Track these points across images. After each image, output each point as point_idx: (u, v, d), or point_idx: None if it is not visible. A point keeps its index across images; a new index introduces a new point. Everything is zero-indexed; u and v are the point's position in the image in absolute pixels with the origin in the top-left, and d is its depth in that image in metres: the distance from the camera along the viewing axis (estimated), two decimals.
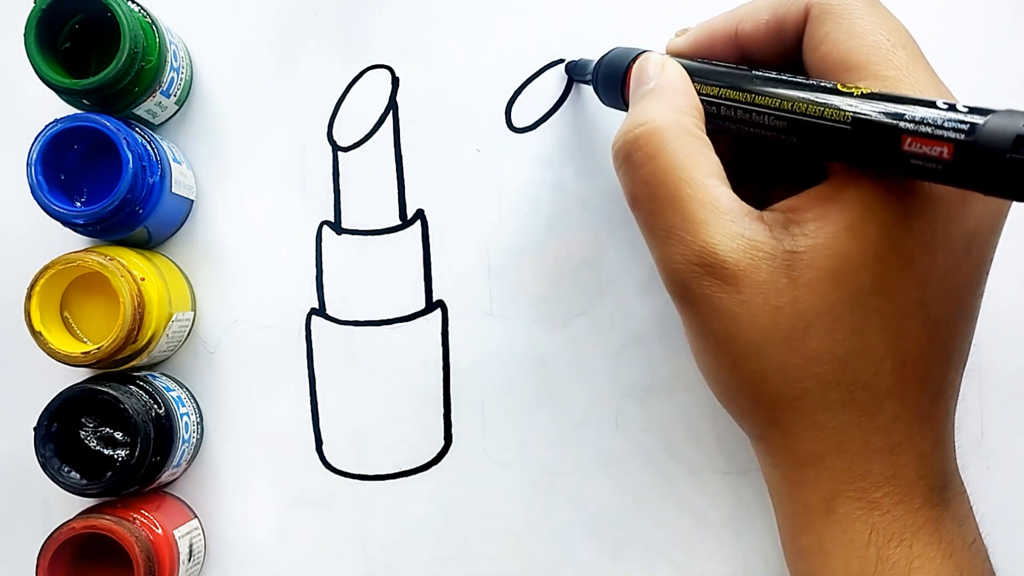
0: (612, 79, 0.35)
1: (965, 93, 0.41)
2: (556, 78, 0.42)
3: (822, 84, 0.27)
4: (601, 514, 0.41)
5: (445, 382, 0.42)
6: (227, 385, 0.42)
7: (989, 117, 0.23)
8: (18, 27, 0.36)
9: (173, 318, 0.39)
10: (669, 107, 0.29)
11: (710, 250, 0.26)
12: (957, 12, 0.42)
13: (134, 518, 0.38)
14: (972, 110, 0.24)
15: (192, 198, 0.42)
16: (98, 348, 0.37)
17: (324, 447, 0.42)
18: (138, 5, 0.39)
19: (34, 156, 0.36)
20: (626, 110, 0.35)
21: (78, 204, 0.38)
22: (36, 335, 0.37)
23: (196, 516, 0.41)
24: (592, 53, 0.42)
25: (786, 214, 0.27)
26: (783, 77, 0.29)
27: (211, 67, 0.43)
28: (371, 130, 0.42)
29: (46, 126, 0.36)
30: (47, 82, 0.36)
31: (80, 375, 0.40)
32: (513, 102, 0.42)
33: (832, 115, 0.26)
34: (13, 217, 0.42)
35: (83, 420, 0.38)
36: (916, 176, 0.25)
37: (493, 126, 0.42)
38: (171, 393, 0.40)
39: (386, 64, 0.42)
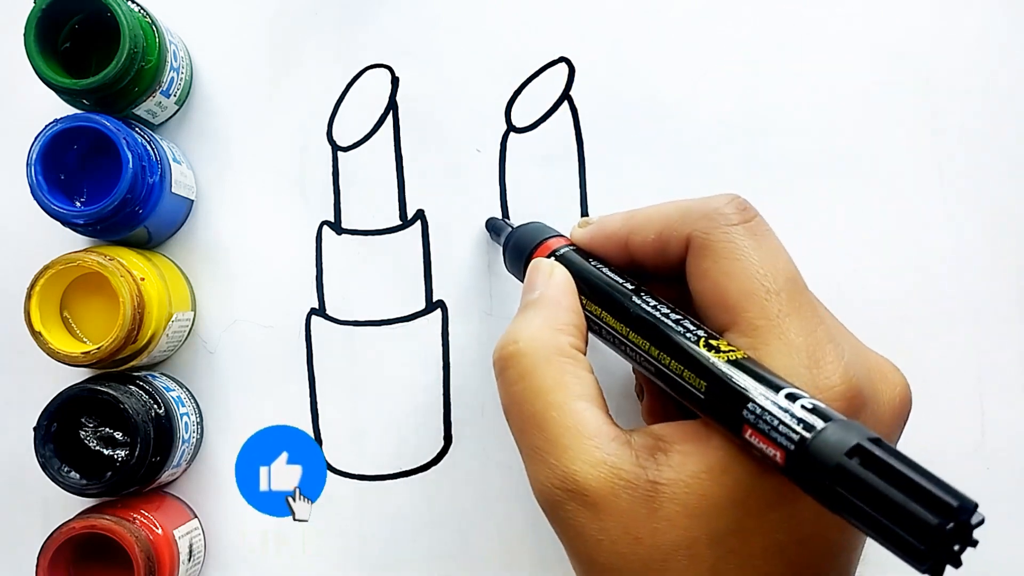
0: (517, 256, 0.36)
1: (965, 92, 0.41)
2: (556, 78, 0.42)
3: (690, 333, 0.27)
4: None
5: (445, 382, 0.42)
6: (227, 385, 0.42)
7: (821, 430, 0.23)
8: (18, 27, 0.36)
9: (173, 318, 0.39)
10: (546, 324, 0.29)
11: (571, 476, 0.26)
12: (958, 12, 0.42)
13: (134, 518, 0.38)
14: (813, 410, 0.23)
15: (192, 198, 0.42)
16: (98, 348, 0.37)
17: (324, 447, 0.42)
18: (138, 5, 0.39)
19: (34, 156, 0.36)
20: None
21: (78, 204, 0.38)
22: (36, 335, 0.37)
23: (196, 516, 0.41)
24: (592, 52, 0.42)
25: (656, 440, 0.27)
26: (658, 314, 0.28)
27: (211, 67, 0.43)
28: (371, 130, 0.42)
29: (46, 126, 0.36)
30: (47, 82, 0.36)
31: (80, 375, 0.40)
32: (513, 102, 0.42)
33: (689, 378, 0.26)
34: (13, 217, 0.42)
35: (83, 420, 0.38)
36: (760, 462, 0.25)
37: (493, 126, 0.42)
38: (171, 393, 0.40)
39: (386, 64, 0.42)
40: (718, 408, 0.26)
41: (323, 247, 0.42)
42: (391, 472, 0.41)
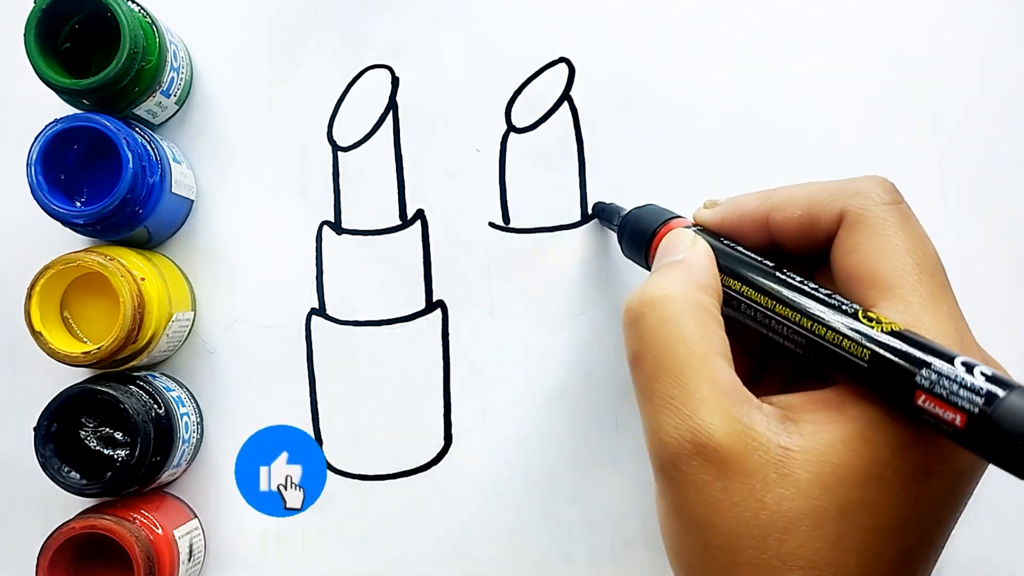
0: (638, 237, 0.35)
1: (965, 92, 0.41)
2: (556, 78, 0.42)
3: (845, 306, 0.27)
4: (601, 514, 0.41)
5: (445, 382, 0.42)
6: (227, 385, 0.42)
7: (1008, 394, 0.23)
8: (18, 27, 0.36)
9: (173, 318, 0.39)
10: (691, 281, 0.29)
11: (706, 429, 0.26)
12: (958, 12, 0.42)
13: (134, 518, 0.38)
14: (991, 379, 0.23)
15: (192, 198, 0.42)
16: (98, 348, 0.37)
17: (324, 447, 0.42)
18: (138, 5, 0.39)
19: (34, 156, 0.36)
20: (644, 266, 0.35)
21: (78, 204, 0.38)
22: (36, 335, 0.37)
23: (196, 516, 0.41)
24: (592, 52, 0.42)
25: (784, 411, 0.27)
26: (807, 288, 0.28)
27: (211, 67, 0.43)
28: (371, 130, 0.42)
29: (46, 126, 0.36)
30: (47, 82, 0.36)
31: (80, 375, 0.40)
32: (513, 102, 0.42)
33: (850, 347, 0.26)
34: (13, 217, 0.42)
35: (83, 420, 0.38)
36: (925, 427, 0.25)
37: (493, 126, 0.42)
38: (171, 393, 0.40)
39: (386, 64, 0.43)
40: (885, 376, 0.25)
41: (323, 247, 0.42)
42: (391, 472, 0.41)
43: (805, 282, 0.29)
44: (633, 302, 0.29)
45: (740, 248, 0.31)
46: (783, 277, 0.29)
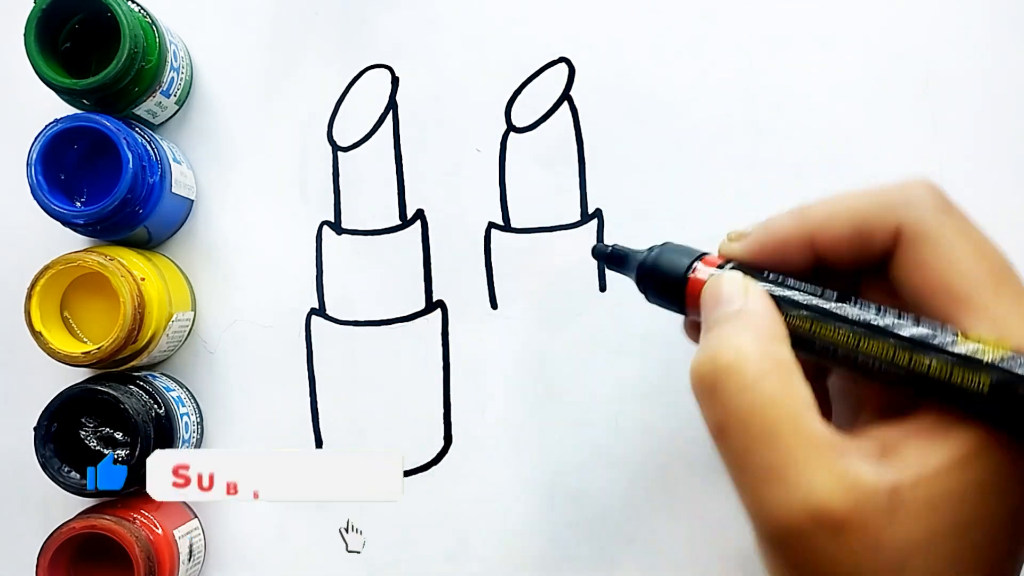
0: (667, 285, 0.32)
1: (965, 92, 0.41)
2: (556, 78, 0.42)
3: (940, 332, 0.25)
4: (601, 514, 0.41)
5: (445, 382, 0.42)
6: (227, 385, 0.42)
7: None
8: (18, 27, 0.36)
9: (173, 318, 0.39)
10: (760, 333, 0.27)
11: (815, 495, 0.24)
12: (958, 12, 0.42)
13: (134, 518, 0.38)
14: None
15: (192, 198, 0.42)
16: (98, 348, 0.37)
17: (324, 447, 0.42)
18: (138, 5, 0.39)
19: (34, 156, 0.36)
20: (679, 311, 0.32)
21: (78, 204, 0.38)
22: (36, 335, 0.37)
23: (196, 516, 0.41)
24: (592, 52, 0.42)
25: (881, 444, 0.26)
26: (889, 320, 0.26)
27: (211, 67, 0.43)
28: (371, 130, 0.42)
29: (46, 126, 0.36)
30: (47, 82, 0.36)
31: (80, 375, 0.40)
32: (513, 102, 0.42)
33: (963, 378, 0.24)
34: (13, 217, 0.42)
35: (83, 420, 0.38)
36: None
37: (493, 126, 0.42)
38: (171, 393, 0.40)
39: (386, 64, 0.42)
40: (1008, 404, 0.24)
41: (323, 247, 0.42)
42: None
43: (884, 311, 0.27)
44: (703, 368, 0.27)
45: (790, 281, 0.29)
46: (857, 312, 0.27)
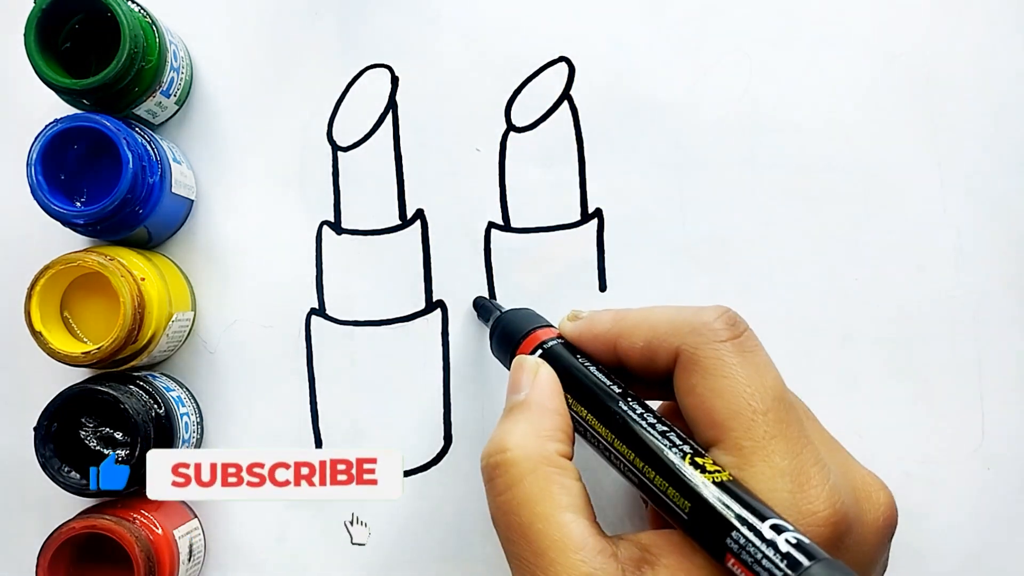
0: (504, 346, 0.36)
1: (965, 92, 0.41)
2: (556, 78, 0.42)
3: (676, 448, 0.27)
4: (600, 514, 0.41)
5: (445, 382, 0.42)
6: (227, 385, 0.42)
7: (807, 569, 0.23)
8: (18, 27, 0.36)
9: (173, 318, 0.39)
10: (532, 431, 0.29)
11: None
12: (958, 12, 0.42)
13: (134, 518, 0.38)
14: (797, 545, 0.23)
15: (192, 198, 0.42)
16: (98, 348, 0.37)
17: (324, 447, 0.42)
18: (138, 5, 0.39)
19: (34, 156, 0.36)
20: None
21: (78, 204, 0.38)
22: (36, 335, 0.37)
23: (196, 516, 0.41)
24: (592, 52, 0.42)
25: (643, 552, 0.27)
26: (644, 424, 0.28)
27: (211, 67, 0.43)
28: (371, 130, 0.42)
29: (46, 126, 0.36)
30: (47, 82, 0.36)
31: (80, 375, 0.40)
32: (513, 102, 0.42)
33: (673, 496, 0.26)
34: (13, 217, 0.42)
35: (83, 420, 0.38)
36: None
37: (493, 126, 0.42)
38: (171, 393, 0.40)
39: (386, 64, 0.42)
40: (701, 531, 0.25)
41: (323, 247, 0.42)
42: None
43: (645, 415, 0.29)
44: (484, 461, 0.29)
45: (593, 369, 0.31)
46: (624, 408, 0.29)
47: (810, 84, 0.42)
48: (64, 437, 0.38)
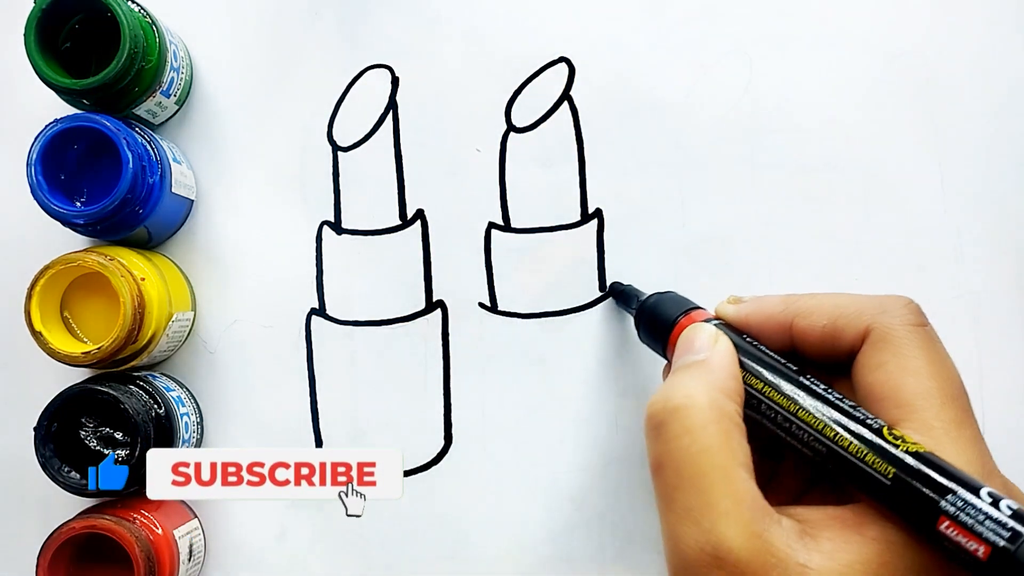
0: (658, 326, 0.35)
1: (965, 92, 0.41)
2: (556, 78, 0.42)
3: (870, 420, 0.27)
4: (601, 514, 0.41)
5: (445, 382, 0.42)
6: (227, 385, 0.42)
7: None
8: (18, 27, 0.36)
9: (173, 318, 0.39)
10: (713, 385, 0.29)
11: (727, 544, 0.25)
12: (958, 12, 0.42)
13: (134, 518, 0.38)
14: (1016, 515, 0.23)
15: (192, 198, 0.42)
16: (98, 348, 0.37)
17: (324, 447, 0.42)
18: (138, 5, 0.39)
19: (34, 156, 0.36)
20: (661, 354, 0.35)
21: (78, 204, 0.38)
22: (36, 335, 0.37)
23: (196, 516, 0.41)
24: (592, 52, 0.42)
25: (802, 524, 0.27)
26: (832, 397, 0.28)
27: (211, 67, 0.43)
28: (371, 130, 0.42)
29: (46, 126, 0.36)
30: (47, 82, 0.36)
31: (80, 375, 0.40)
32: (513, 102, 0.42)
33: (874, 463, 0.26)
34: (13, 217, 0.42)
35: (83, 420, 0.38)
36: (945, 554, 0.24)
37: (493, 126, 0.42)
38: (171, 393, 0.40)
39: (386, 64, 0.42)
40: (906, 497, 0.25)
41: (323, 247, 0.42)
42: None
43: (830, 390, 0.28)
44: (655, 407, 0.28)
45: (763, 348, 0.31)
46: (807, 383, 0.29)
47: (810, 84, 0.42)
48: (64, 437, 0.38)
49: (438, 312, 0.42)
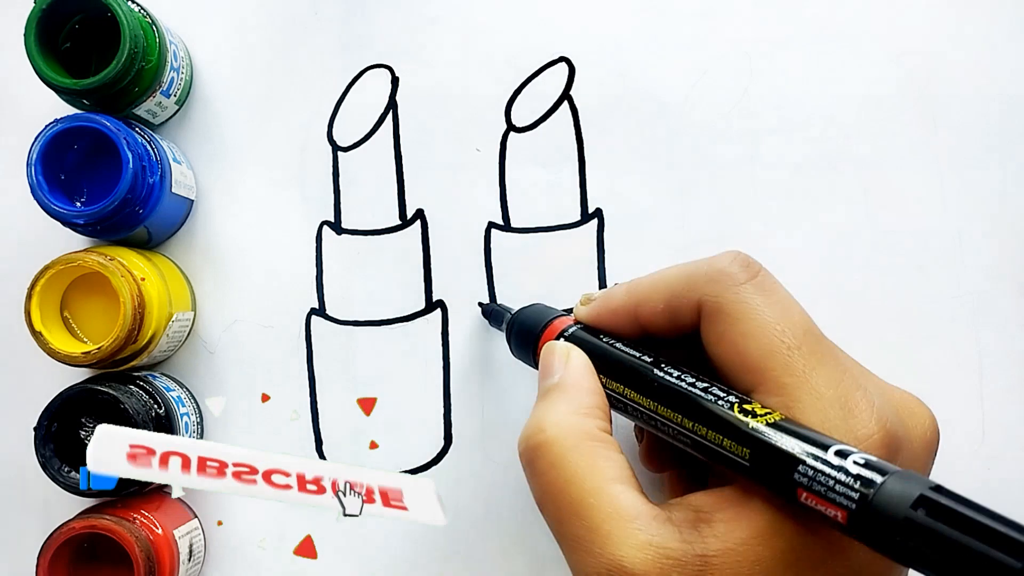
0: (524, 341, 0.36)
1: (965, 92, 0.41)
2: (556, 78, 0.42)
3: (721, 400, 0.27)
4: None
5: (445, 382, 0.42)
6: (227, 385, 0.42)
7: (882, 484, 0.22)
8: (18, 27, 0.36)
9: (173, 318, 0.39)
10: (570, 409, 0.29)
11: (618, 562, 0.26)
12: (958, 12, 0.42)
13: (134, 518, 0.38)
14: (866, 464, 0.23)
15: (192, 198, 0.42)
16: (98, 348, 0.37)
17: (324, 447, 0.42)
18: (138, 5, 0.39)
19: (34, 156, 0.36)
20: (535, 367, 0.34)
21: (78, 204, 0.38)
22: (36, 335, 0.37)
23: (196, 516, 0.41)
24: (592, 52, 0.42)
25: (696, 512, 0.27)
26: (683, 385, 0.28)
27: (211, 67, 0.43)
28: (371, 130, 0.42)
29: (46, 126, 0.36)
30: (47, 82, 0.36)
31: (80, 375, 0.40)
32: (513, 102, 0.42)
33: (731, 447, 0.26)
34: (13, 217, 0.42)
35: (83, 420, 0.38)
36: (817, 521, 0.24)
37: (493, 126, 0.42)
38: (171, 393, 0.40)
39: (386, 64, 0.42)
40: (766, 474, 0.25)
41: (323, 247, 0.42)
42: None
43: (682, 376, 0.28)
44: (521, 446, 0.29)
45: (619, 345, 0.31)
46: (661, 374, 0.29)
47: (810, 84, 0.42)
48: (64, 437, 0.38)
49: (438, 312, 0.42)
